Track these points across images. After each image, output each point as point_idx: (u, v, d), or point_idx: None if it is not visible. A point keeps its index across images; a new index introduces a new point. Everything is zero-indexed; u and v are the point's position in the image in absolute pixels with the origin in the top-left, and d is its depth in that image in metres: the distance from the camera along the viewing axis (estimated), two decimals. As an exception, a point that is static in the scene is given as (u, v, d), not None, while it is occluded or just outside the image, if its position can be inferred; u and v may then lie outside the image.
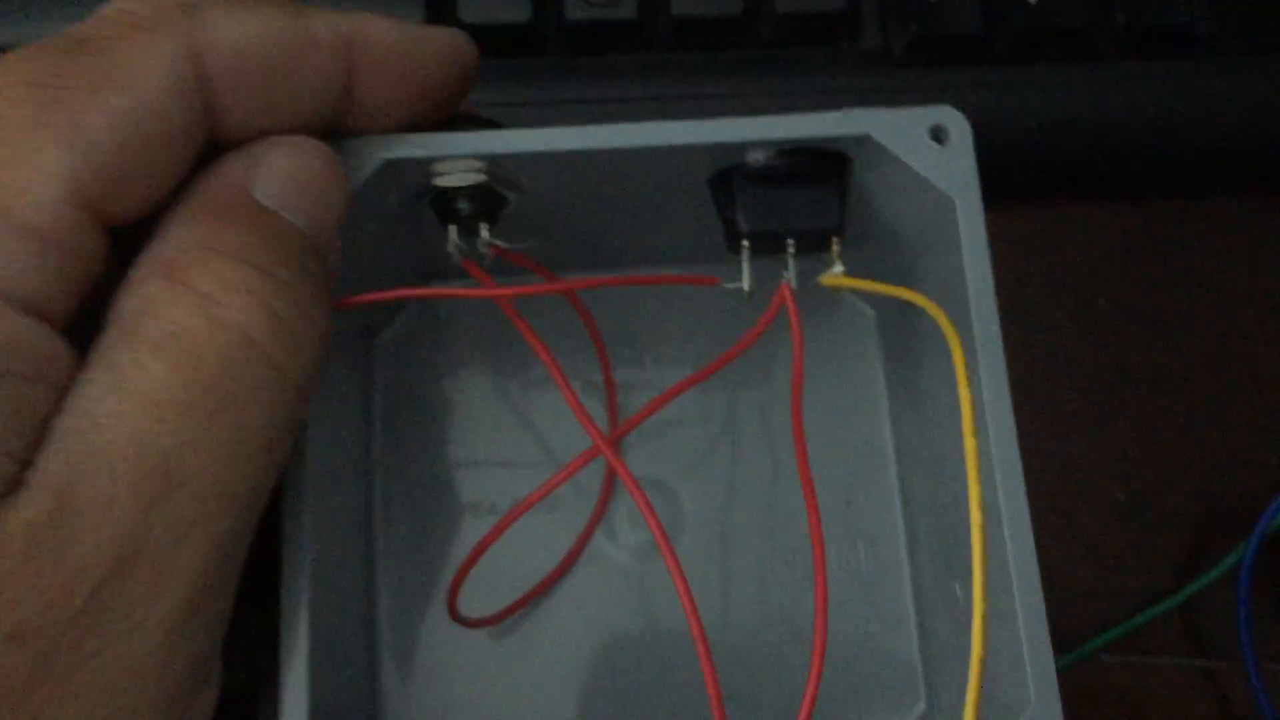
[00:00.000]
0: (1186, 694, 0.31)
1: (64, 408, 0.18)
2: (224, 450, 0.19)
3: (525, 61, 0.32)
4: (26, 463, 0.18)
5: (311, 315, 0.21)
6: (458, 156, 0.25)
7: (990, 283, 0.25)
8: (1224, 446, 0.32)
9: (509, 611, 0.28)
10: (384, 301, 0.24)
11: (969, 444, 0.21)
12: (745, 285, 0.26)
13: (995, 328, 0.25)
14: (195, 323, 0.19)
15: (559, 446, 0.30)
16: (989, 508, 0.24)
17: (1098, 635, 0.31)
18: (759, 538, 0.30)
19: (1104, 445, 0.32)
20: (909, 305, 0.29)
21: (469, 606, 0.28)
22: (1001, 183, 0.29)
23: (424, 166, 0.25)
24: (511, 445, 0.30)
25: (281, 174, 0.22)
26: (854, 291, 0.31)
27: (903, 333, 0.30)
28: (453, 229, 0.26)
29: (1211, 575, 0.30)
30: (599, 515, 0.30)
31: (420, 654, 0.29)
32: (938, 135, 0.26)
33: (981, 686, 0.20)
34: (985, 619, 0.20)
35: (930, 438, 0.28)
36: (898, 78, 0.31)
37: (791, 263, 0.26)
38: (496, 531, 0.25)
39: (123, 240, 0.21)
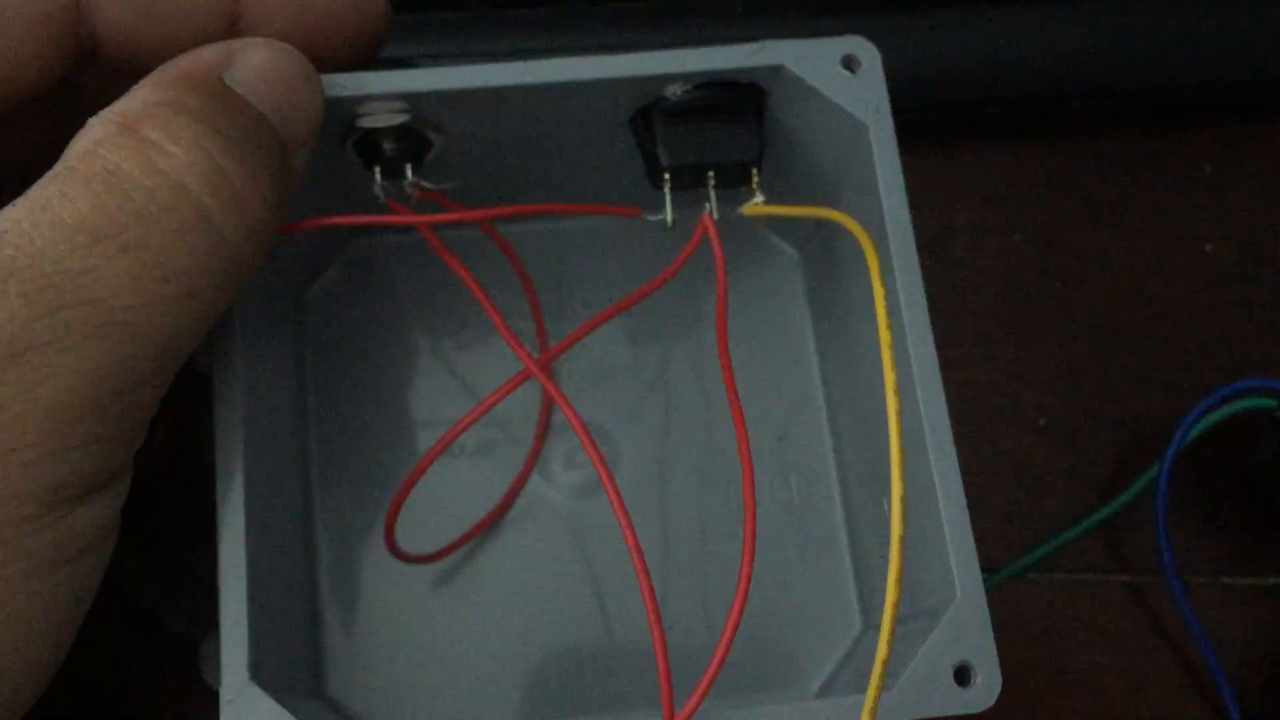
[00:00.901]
0: (1112, 609, 0.32)
1: None
2: (134, 284, 0.20)
3: (444, 15, 0.32)
4: None
5: (260, 184, 0.21)
6: (380, 95, 0.25)
7: (905, 206, 0.26)
8: (1139, 372, 0.33)
9: (448, 551, 0.29)
10: (317, 233, 0.25)
11: (885, 339, 0.21)
12: (668, 217, 0.27)
13: (911, 248, 0.25)
14: (132, 164, 0.20)
15: (491, 389, 0.31)
16: (911, 417, 0.24)
17: (1023, 556, 0.31)
18: (694, 476, 0.31)
19: (1023, 374, 0.33)
20: (830, 244, 0.30)
21: (409, 550, 0.28)
22: (917, 123, 0.30)
23: (348, 106, 0.25)
24: (444, 392, 0.31)
25: (254, 66, 0.22)
26: (776, 232, 0.32)
27: (825, 270, 0.31)
28: (377, 170, 0.26)
29: (1131, 492, 0.31)
30: (534, 456, 0.30)
31: (361, 599, 0.29)
32: (849, 64, 0.26)
33: (902, 568, 0.20)
34: (904, 499, 0.20)
35: (856, 368, 0.29)
36: (812, 23, 0.32)
37: (712, 194, 0.27)
38: (431, 456, 0.25)
39: None
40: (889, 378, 0.21)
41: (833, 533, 0.30)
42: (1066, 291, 0.34)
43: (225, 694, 0.22)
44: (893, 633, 0.20)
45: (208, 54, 0.22)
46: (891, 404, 0.21)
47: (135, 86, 0.22)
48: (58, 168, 0.20)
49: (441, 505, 0.29)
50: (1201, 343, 0.34)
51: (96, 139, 0.21)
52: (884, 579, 0.28)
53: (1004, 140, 0.35)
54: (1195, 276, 0.34)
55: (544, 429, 0.30)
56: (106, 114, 0.21)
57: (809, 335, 0.32)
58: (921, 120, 0.33)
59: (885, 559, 0.28)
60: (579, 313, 0.31)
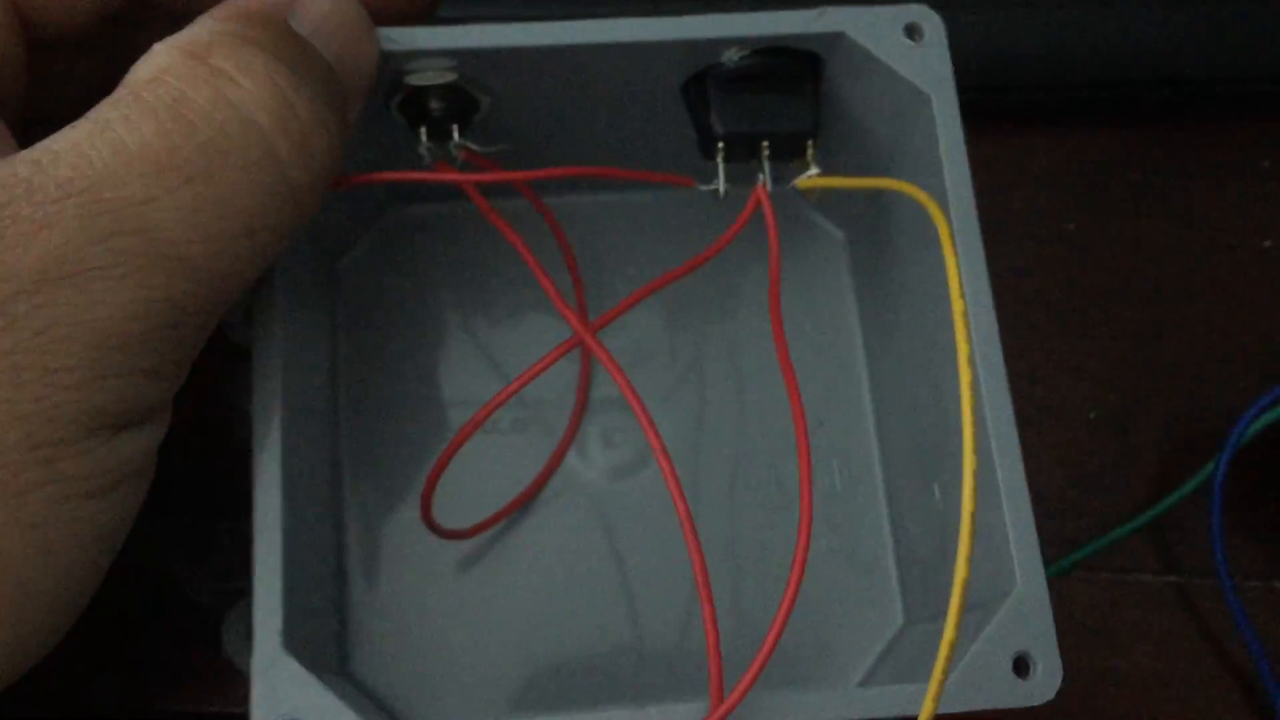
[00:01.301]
0: (1159, 610, 0.31)
1: (36, 145, 0.19)
2: (193, 218, 0.19)
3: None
4: None
5: (328, 128, 0.21)
6: (429, 52, 0.24)
7: (968, 179, 0.25)
8: (1193, 367, 0.32)
9: (483, 526, 0.28)
10: (353, 200, 0.24)
11: (958, 308, 0.21)
12: (720, 187, 0.26)
13: (974, 223, 0.25)
14: (201, 93, 0.19)
15: (525, 365, 0.30)
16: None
17: (1071, 552, 0.30)
18: (729, 462, 0.30)
19: (1074, 365, 0.32)
20: (880, 223, 0.29)
21: (444, 526, 0.27)
22: (971, 105, 0.29)
23: (396, 62, 0.24)
24: (476, 367, 0.30)
25: (320, 13, 0.22)
26: (822, 212, 0.31)
27: (873, 251, 0.30)
28: (423, 131, 0.26)
29: (1183, 491, 0.30)
30: (571, 434, 0.29)
31: (388, 577, 0.28)
32: (912, 32, 0.26)
33: (970, 557, 0.19)
34: (976, 474, 0.19)
35: (904, 351, 0.28)
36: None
37: (766, 165, 0.26)
38: (473, 424, 0.24)
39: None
40: (962, 348, 0.20)
41: (875, 522, 0.29)
42: (1119, 282, 0.33)
43: (258, 664, 0.21)
44: (960, 613, 0.19)
45: None
46: (964, 375, 0.20)
47: (199, 19, 0.21)
48: (120, 91, 0.20)
49: (475, 482, 0.29)
50: (1257, 339, 0.33)
51: (162, 65, 0.20)
52: (930, 570, 0.28)
53: (1059, 126, 0.34)
54: (1252, 272, 0.33)
55: (582, 407, 0.29)
56: (173, 41, 0.20)
57: (854, 318, 0.31)
58: (974, 102, 0.32)
59: (931, 549, 0.27)
60: (617, 288, 0.31)
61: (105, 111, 0.19)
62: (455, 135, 0.26)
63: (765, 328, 0.30)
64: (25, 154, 0.19)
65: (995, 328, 0.24)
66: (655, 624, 0.28)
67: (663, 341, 0.31)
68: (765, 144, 0.26)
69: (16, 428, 0.18)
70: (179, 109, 0.19)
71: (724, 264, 0.30)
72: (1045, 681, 0.22)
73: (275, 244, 0.21)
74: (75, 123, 0.19)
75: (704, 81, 0.26)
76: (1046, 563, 0.28)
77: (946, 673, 0.19)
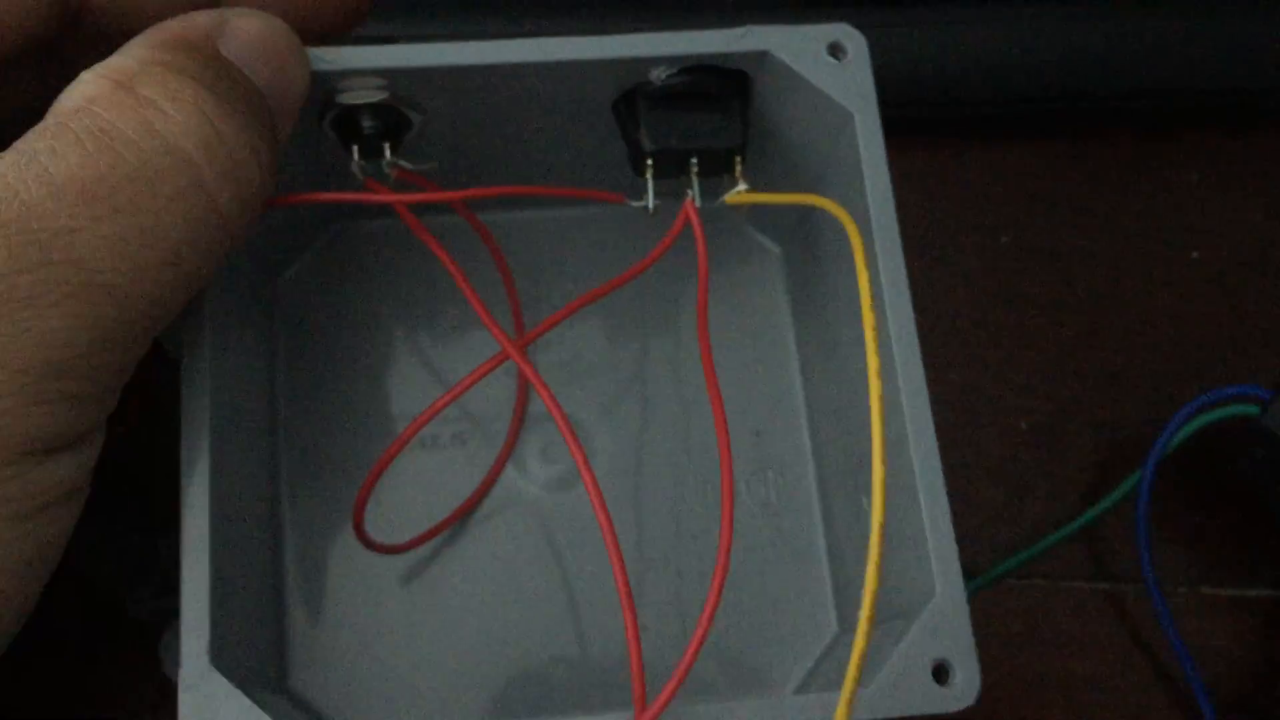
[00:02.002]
0: (1090, 616, 0.31)
1: None
2: (121, 247, 0.19)
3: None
4: None
5: (256, 154, 0.21)
6: (360, 71, 0.25)
7: (890, 195, 0.25)
8: (1123, 377, 0.33)
9: (418, 541, 0.28)
10: (291, 216, 0.24)
11: (868, 320, 0.21)
12: (650, 203, 0.26)
13: (896, 238, 0.25)
14: (127, 123, 0.20)
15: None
16: (892, 411, 0.24)
17: (1002, 560, 0.31)
18: (670, 471, 0.30)
19: (1006, 376, 0.33)
20: (813, 238, 0.30)
21: (380, 540, 0.27)
22: (904, 120, 0.30)
23: (327, 81, 0.25)
24: (416, 381, 0.30)
25: (247, 35, 0.22)
26: (757, 227, 0.32)
27: (807, 265, 0.30)
28: (355, 149, 0.26)
29: (1112, 498, 0.30)
30: (509, 449, 0.30)
31: (327, 591, 0.28)
32: (835, 51, 0.26)
33: (881, 556, 0.20)
34: (885, 483, 0.20)
35: (837, 364, 0.29)
36: (799, 15, 0.31)
37: (695, 181, 0.26)
38: (403, 439, 0.24)
39: None
40: (872, 361, 0.21)
41: (810, 532, 0.30)
42: (1051, 294, 0.34)
43: (185, 679, 0.21)
44: (871, 622, 0.20)
45: (201, 20, 0.22)
46: (874, 387, 0.21)
47: (126, 45, 0.21)
48: (47, 121, 0.20)
49: (414, 496, 0.29)
50: (1185, 349, 0.33)
51: (89, 95, 0.20)
52: (862, 580, 0.28)
53: (991, 141, 0.35)
54: (1180, 283, 0.34)
55: (519, 421, 0.30)
56: (100, 69, 0.21)
57: (789, 331, 0.31)
58: (907, 118, 0.33)
59: (864, 559, 0.28)
60: (555, 303, 0.31)
61: (32, 142, 0.20)
62: (387, 153, 0.26)
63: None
64: None
65: (915, 340, 0.24)
66: (595, 635, 0.29)
67: (604, 355, 0.31)
68: (694, 160, 0.26)
69: None
70: (105, 139, 0.19)
71: (664, 277, 0.30)
72: (964, 688, 0.22)
73: (204, 270, 0.21)
74: (3, 154, 0.20)
75: (633, 99, 0.26)
76: (979, 570, 0.28)
77: (858, 680, 0.20)
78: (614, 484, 0.30)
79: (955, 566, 0.23)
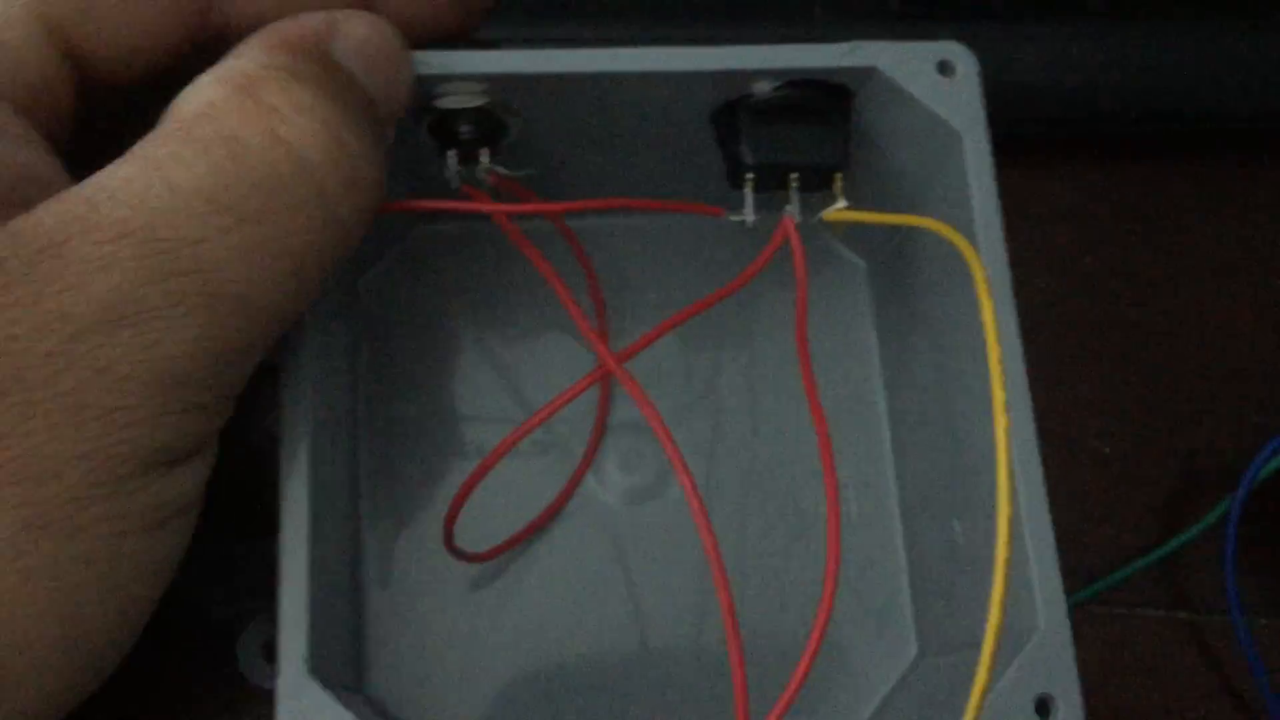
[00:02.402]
0: (1170, 647, 0.31)
1: (87, 181, 0.19)
2: (247, 257, 0.19)
3: None
4: (13, 206, 0.19)
5: (374, 161, 0.21)
6: (462, 76, 0.24)
7: (999, 218, 0.25)
8: (1206, 404, 0.33)
9: (501, 549, 0.28)
10: (400, 214, 0.24)
11: (994, 353, 0.21)
12: (749, 217, 0.26)
13: (1004, 262, 0.25)
14: (253, 132, 0.19)
15: (544, 388, 0.30)
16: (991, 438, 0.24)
17: (1082, 587, 0.31)
18: (744, 489, 0.30)
19: (1088, 401, 0.32)
20: (904, 255, 0.29)
21: (463, 548, 0.27)
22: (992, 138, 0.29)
23: (427, 86, 0.24)
24: (496, 389, 0.30)
25: (359, 40, 0.22)
26: (845, 242, 0.31)
27: (896, 282, 0.30)
28: (452, 154, 0.26)
29: (1199, 526, 0.30)
30: (590, 458, 0.29)
31: (404, 597, 0.28)
32: (944, 69, 0.26)
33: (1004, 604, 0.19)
34: (1011, 520, 0.19)
35: (926, 382, 0.28)
36: (895, 29, 0.31)
37: (795, 196, 0.26)
38: (498, 454, 0.24)
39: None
40: (997, 395, 0.20)
41: (891, 552, 0.29)
42: (1135, 318, 0.33)
43: (282, 687, 0.21)
44: (994, 658, 0.19)
45: (313, 21, 0.21)
46: (1000, 422, 0.20)
47: (242, 47, 0.21)
48: (168, 125, 0.20)
49: (493, 504, 0.28)
50: (1271, 377, 0.33)
51: (210, 100, 0.20)
52: (946, 603, 0.28)
53: (1080, 162, 0.34)
54: (1268, 310, 0.33)
55: (601, 431, 0.29)
56: (220, 72, 0.20)
57: (873, 348, 0.31)
58: (994, 136, 0.32)
59: (948, 582, 0.27)
60: (639, 312, 0.31)
61: (156, 148, 0.19)
62: (484, 159, 0.26)
63: (783, 355, 0.31)
64: (78, 191, 0.19)
65: (1023, 370, 0.24)
66: (669, 647, 0.28)
67: (679, 366, 0.31)
68: (794, 176, 0.26)
69: (77, 466, 0.18)
70: (232, 147, 0.19)
71: (743, 290, 0.30)
72: (1067, 723, 0.22)
73: (322, 278, 0.21)
74: (126, 158, 0.19)
75: (734, 112, 0.26)
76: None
77: (979, 713, 0.19)
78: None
79: (1060, 599, 0.23)
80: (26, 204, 0.19)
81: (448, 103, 0.25)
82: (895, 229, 0.30)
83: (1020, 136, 0.33)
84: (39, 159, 0.20)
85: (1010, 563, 0.19)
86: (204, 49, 0.23)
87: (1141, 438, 0.32)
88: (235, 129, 0.19)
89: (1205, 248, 0.34)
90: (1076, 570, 0.31)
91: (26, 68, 0.20)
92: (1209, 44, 0.33)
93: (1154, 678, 0.31)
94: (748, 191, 0.26)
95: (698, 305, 0.25)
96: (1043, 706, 0.22)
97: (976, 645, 0.25)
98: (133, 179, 0.19)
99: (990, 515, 0.25)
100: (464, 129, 0.26)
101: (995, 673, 0.23)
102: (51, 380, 0.18)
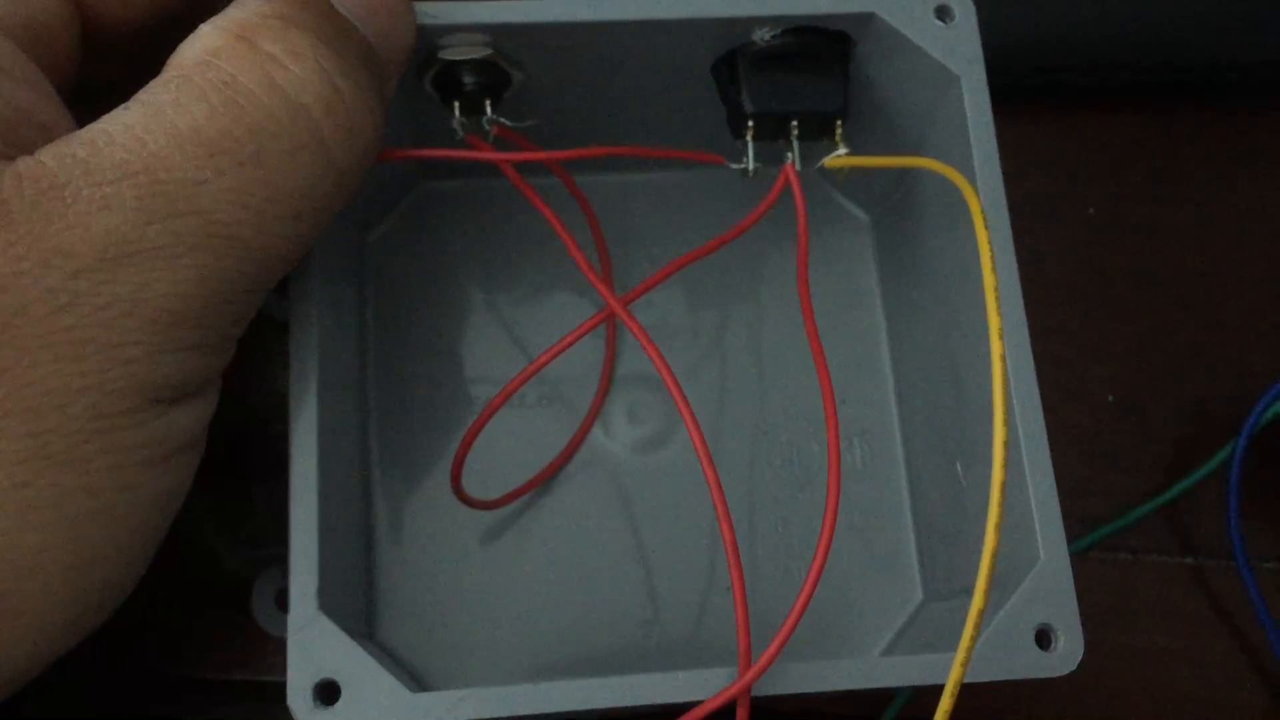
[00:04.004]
0: (1175, 591, 0.31)
1: (89, 126, 0.19)
2: (244, 200, 0.19)
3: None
4: (16, 147, 0.19)
5: (371, 108, 0.21)
6: (465, 26, 0.25)
7: (996, 158, 0.25)
8: (1210, 351, 0.33)
9: (511, 496, 0.28)
10: (383, 174, 0.24)
11: (989, 283, 0.21)
12: (749, 165, 0.26)
13: (1002, 202, 0.25)
14: (250, 77, 0.20)
15: (549, 340, 0.30)
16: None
17: (1088, 533, 0.31)
18: (750, 439, 0.30)
19: (1093, 349, 0.33)
20: (905, 204, 0.30)
21: (472, 496, 0.28)
22: (993, 87, 0.29)
23: (430, 37, 0.25)
24: (502, 340, 0.30)
25: None
26: (846, 194, 0.32)
27: (896, 233, 0.30)
28: (456, 105, 0.26)
29: (1201, 473, 0.30)
30: (596, 410, 0.30)
31: (414, 545, 0.28)
32: (942, 14, 0.26)
33: (1001, 517, 0.19)
34: (1007, 445, 0.20)
35: (928, 331, 0.29)
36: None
37: (795, 144, 0.26)
38: (504, 394, 0.25)
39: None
40: (993, 321, 0.21)
41: (896, 499, 0.30)
42: (1138, 266, 0.33)
43: (293, 622, 0.22)
44: (989, 581, 0.20)
45: None
46: (995, 348, 0.20)
47: None
48: (168, 73, 0.20)
49: (501, 454, 0.29)
50: (1273, 324, 0.33)
51: (210, 47, 0.20)
52: (950, 547, 0.28)
53: (1080, 110, 0.34)
54: (1271, 256, 0.34)
55: (607, 382, 0.30)
56: (220, 21, 0.21)
57: (876, 298, 0.31)
58: (997, 85, 0.32)
59: (952, 527, 0.28)
60: (642, 265, 0.31)
61: (157, 94, 0.20)
62: (488, 110, 0.26)
63: (787, 307, 0.31)
64: (81, 134, 0.19)
65: (1021, 306, 0.24)
66: (676, 595, 0.29)
67: (685, 319, 0.31)
68: (794, 123, 0.26)
69: (80, 400, 0.19)
70: (229, 93, 0.20)
71: (746, 243, 0.30)
72: (1067, 654, 0.22)
73: (320, 223, 0.21)
74: (127, 104, 0.20)
75: (734, 60, 0.26)
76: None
77: (975, 640, 0.20)
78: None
79: (1060, 533, 0.23)
80: (29, 146, 0.19)
81: (450, 54, 0.25)
82: (896, 180, 0.30)
83: (1021, 87, 0.34)
84: (43, 101, 0.20)
85: (1006, 487, 0.19)
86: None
87: (1147, 385, 0.32)
88: (233, 75, 0.20)
89: (1213, 196, 0.34)
90: (1083, 516, 0.31)
91: (31, 2, 0.21)
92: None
93: (1160, 622, 0.31)
94: (749, 140, 0.26)
95: (701, 249, 0.25)
96: (1043, 637, 0.22)
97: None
98: (133, 124, 0.19)
99: (990, 460, 0.25)
100: (467, 80, 0.26)
101: (996, 604, 0.23)
102: (54, 316, 0.18)
